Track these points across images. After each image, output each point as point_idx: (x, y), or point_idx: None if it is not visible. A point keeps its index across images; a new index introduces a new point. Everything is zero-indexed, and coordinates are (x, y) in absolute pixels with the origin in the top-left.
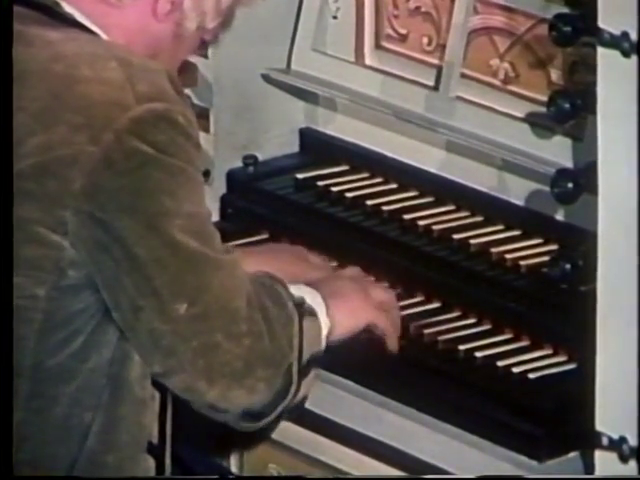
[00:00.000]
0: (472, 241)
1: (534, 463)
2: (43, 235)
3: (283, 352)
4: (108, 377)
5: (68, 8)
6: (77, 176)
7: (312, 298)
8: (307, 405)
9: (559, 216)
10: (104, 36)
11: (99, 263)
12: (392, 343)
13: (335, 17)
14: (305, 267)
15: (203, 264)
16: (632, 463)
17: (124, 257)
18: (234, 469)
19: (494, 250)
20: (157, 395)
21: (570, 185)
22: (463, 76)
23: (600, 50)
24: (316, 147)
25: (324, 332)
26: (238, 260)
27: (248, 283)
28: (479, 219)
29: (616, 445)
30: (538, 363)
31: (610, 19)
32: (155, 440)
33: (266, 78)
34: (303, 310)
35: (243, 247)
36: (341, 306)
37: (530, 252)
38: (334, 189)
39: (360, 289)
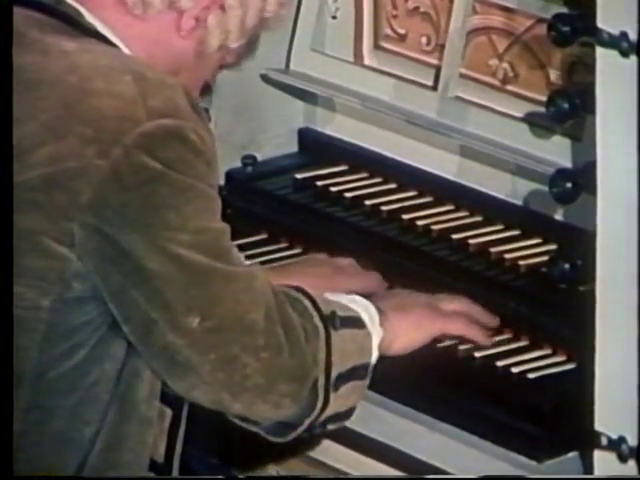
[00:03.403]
0: (471, 241)
1: (533, 463)
2: (49, 246)
3: (305, 366)
4: (114, 394)
5: (90, 18)
6: (85, 189)
7: (365, 308)
8: None
9: (558, 216)
10: (125, 48)
11: (106, 276)
12: (479, 339)
13: (334, 17)
14: (345, 279)
15: (212, 277)
16: (631, 463)
17: (133, 270)
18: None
19: (493, 250)
20: (169, 413)
21: (569, 185)
22: (462, 76)
23: (599, 50)
24: (315, 147)
25: (375, 342)
26: (256, 272)
27: (270, 295)
28: (478, 219)
29: (615, 445)
30: (537, 363)
31: (609, 19)
32: (161, 459)
33: (265, 78)
34: (334, 323)
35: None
36: (404, 319)
37: (529, 252)
38: (333, 189)
39: (426, 302)
